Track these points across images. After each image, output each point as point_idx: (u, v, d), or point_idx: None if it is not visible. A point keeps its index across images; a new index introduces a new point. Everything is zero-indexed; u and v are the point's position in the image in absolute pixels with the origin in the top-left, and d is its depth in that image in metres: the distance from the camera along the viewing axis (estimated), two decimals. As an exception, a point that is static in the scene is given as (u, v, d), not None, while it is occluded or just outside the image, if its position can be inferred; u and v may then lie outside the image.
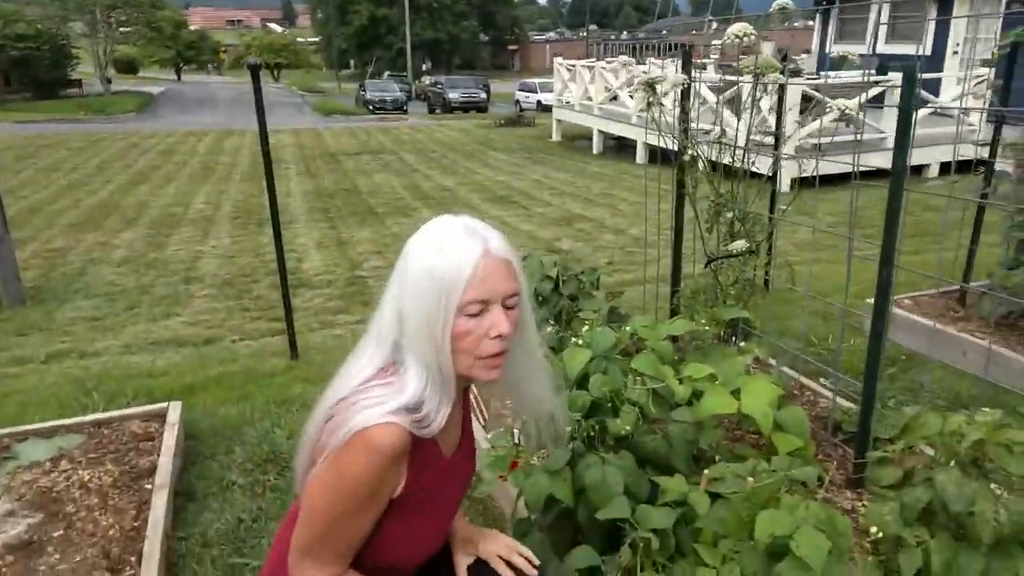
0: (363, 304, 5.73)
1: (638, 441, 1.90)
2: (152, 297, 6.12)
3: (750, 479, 1.52)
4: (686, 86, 2.87)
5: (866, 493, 2.38)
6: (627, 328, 2.65)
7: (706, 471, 1.66)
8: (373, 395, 1.14)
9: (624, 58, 19.79)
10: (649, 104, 2.77)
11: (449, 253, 1.12)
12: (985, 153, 3.84)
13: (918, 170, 10.26)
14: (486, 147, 17.44)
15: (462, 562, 1.42)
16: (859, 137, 3.52)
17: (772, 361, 2.83)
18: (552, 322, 3.22)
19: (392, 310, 1.17)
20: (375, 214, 9.84)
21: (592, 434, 1.90)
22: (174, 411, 3.01)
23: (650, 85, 2.75)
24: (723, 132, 2.94)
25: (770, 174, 3.22)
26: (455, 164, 14.79)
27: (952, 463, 1.76)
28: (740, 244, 2.88)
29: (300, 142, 18.45)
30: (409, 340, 1.15)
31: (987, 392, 3.30)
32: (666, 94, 2.86)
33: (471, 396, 1.53)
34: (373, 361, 1.19)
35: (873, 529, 1.49)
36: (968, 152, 3.78)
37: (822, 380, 3.39)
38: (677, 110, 2.91)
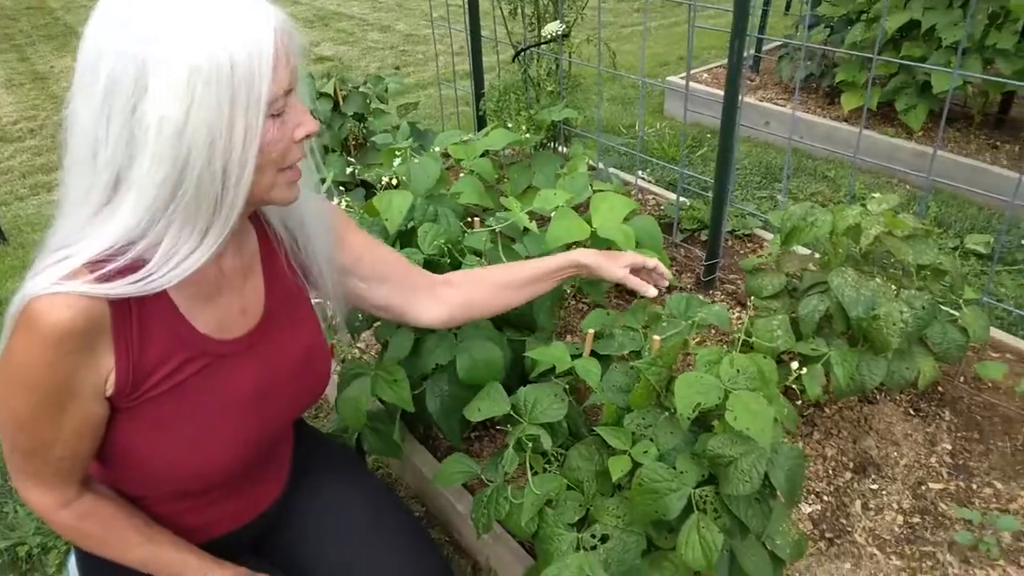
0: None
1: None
2: None
3: (656, 338, 1.18)
4: None
5: (718, 294, 2.21)
6: (433, 149, 2.15)
7: (587, 328, 1.30)
8: (54, 255, 0.83)
9: None
10: None
11: (235, 27, 0.78)
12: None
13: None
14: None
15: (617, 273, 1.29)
16: None
17: (600, 164, 2.50)
18: (341, 153, 2.60)
19: (115, 129, 0.78)
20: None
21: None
22: None
23: None
24: None
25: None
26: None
27: (842, 263, 1.55)
28: (554, 26, 2.38)
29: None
30: (154, 168, 0.79)
31: (793, 161, 3.29)
32: None
33: (275, 241, 1.08)
34: (81, 210, 0.83)
35: (794, 365, 1.25)
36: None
37: (640, 174, 3.16)
38: None
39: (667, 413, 1.19)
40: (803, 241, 1.52)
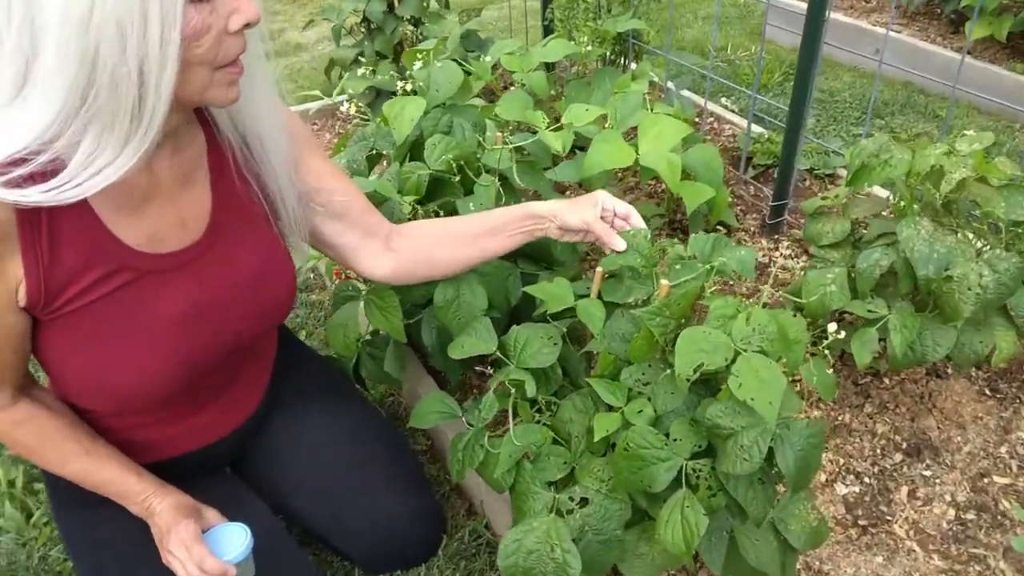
0: None
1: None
2: None
3: (664, 283, 1.02)
4: None
5: (784, 240, 1.98)
6: (486, 59, 1.97)
7: (599, 267, 1.14)
8: None
9: None
10: None
11: None
12: None
13: None
14: None
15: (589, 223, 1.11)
16: None
17: (670, 85, 2.26)
18: (392, 60, 2.46)
19: (17, 13, 0.68)
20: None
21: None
22: None
23: None
24: None
25: None
26: None
27: (917, 212, 1.31)
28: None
29: None
30: (60, 65, 0.69)
31: (903, 95, 2.91)
32: None
33: (224, 146, 0.97)
34: None
35: (832, 327, 1.06)
36: None
37: (723, 101, 2.88)
38: None
39: (670, 370, 1.04)
40: (874, 182, 1.29)
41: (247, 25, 0.79)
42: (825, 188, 2.16)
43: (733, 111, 2.73)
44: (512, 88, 2.20)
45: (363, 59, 2.38)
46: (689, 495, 0.94)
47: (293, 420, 1.23)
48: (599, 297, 1.15)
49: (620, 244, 1.07)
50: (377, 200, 1.23)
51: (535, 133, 1.44)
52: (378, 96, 2.32)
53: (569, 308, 1.13)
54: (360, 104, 1.50)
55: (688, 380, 0.92)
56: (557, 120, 2.15)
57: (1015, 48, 2.91)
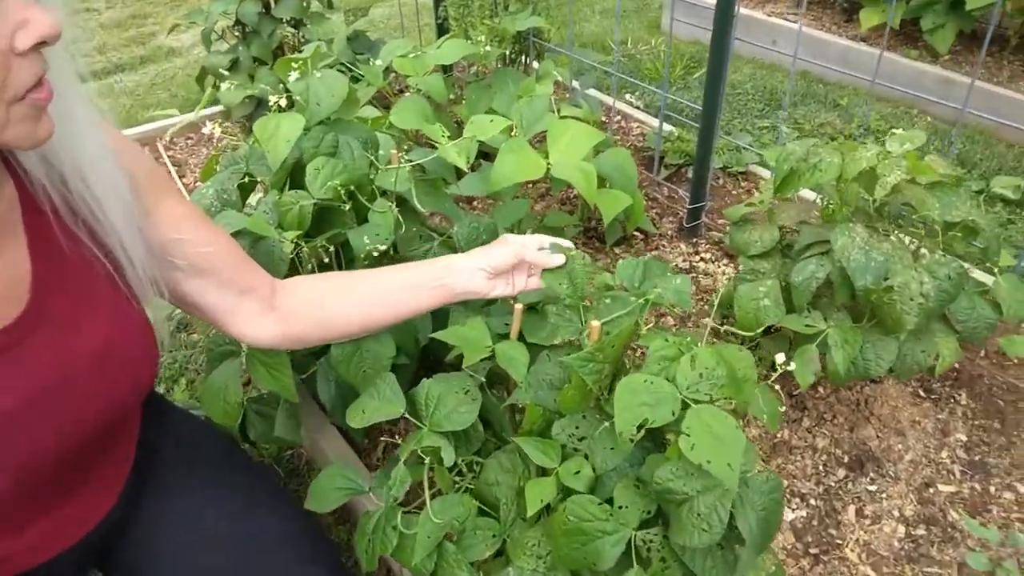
0: None
1: (403, 259, 1.18)
2: None
3: (594, 324, 0.88)
4: None
5: (703, 243, 1.90)
6: (377, 62, 1.79)
7: (517, 302, 0.99)
8: None
9: None
10: None
11: None
12: None
13: None
14: None
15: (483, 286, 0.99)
16: None
17: (575, 84, 2.14)
18: (271, 67, 2.23)
19: None
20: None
21: (327, 260, 1.14)
22: None
23: None
24: None
25: None
26: None
27: (848, 217, 1.23)
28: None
29: None
30: None
31: (801, 85, 2.91)
32: None
33: (47, 199, 0.76)
34: None
35: (780, 358, 0.95)
36: None
37: (628, 97, 2.79)
38: None
39: (608, 423, 0.90)
40: (803, 187, 1.20)
41: (42, 43, 0.59)
42: (739, 186, 2.10)
43: (639, 108, 2.65)
44: (407, 94, 2.03)
45: (236, 67, 2.14)
46: (640, 573, 0.80)
47: (167, 500, 1.03)
48: (520, 337, 1.01)
49: (558, 258, 0.95)
50: (249, 241, 1.04)
51: (435, 147, 1.28)
52: (259, 107, 2.10)
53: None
54: (225, 122, 1.29)
55: (631, 440, 0.79)
56: (459, 126, 1.98)
57: (907, 35, 2.96)
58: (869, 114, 2.64)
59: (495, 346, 0.98)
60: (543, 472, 0.90)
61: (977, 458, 1.36)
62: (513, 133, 1.56)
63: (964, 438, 1.39)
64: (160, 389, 1.66)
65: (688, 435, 0.76)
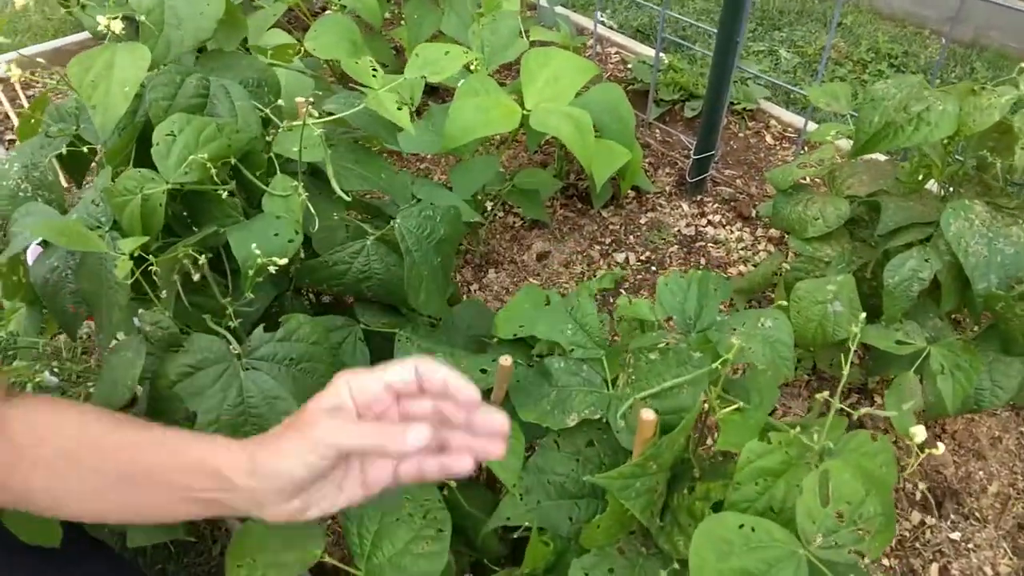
0: None
1: (313, 267, 0.79)
2: None
3: (645, 414, 0.52)
4: None
5: (709, 201, 1.53)
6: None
7: (500, 357, 0.62)
8: None
9: None
10: None
11: None
12: None
13: None
14: None
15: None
16: None
17: (543, 2, 1.71)
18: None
19: None
20: None
21: (199, 279, 0.73)
22: None
23: None
24: None
25: None
26: None
27: (958, 187, 0.88)
28: None
29: None
30: None
31: (795, 3, 2.51)
32: None
33: None
34: None
35: (920, 434, 0.62)
36: None
37: (599, 16, 2.35)
38: None
39: (658, 555, 0.55)
40: (900, 146, 0.84)
41: None
42: (746, 127, 1.73)
43: (612, 28, 2.22)
44: (328, 12, 1.57)
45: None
46: None
47: None
48: (507, 405, 0.64)
49: (464, 467, 0.45)
50: (62, 258, 0.63)
51: (365, 91, 0.87)
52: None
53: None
54: (44, 61, 0.84)
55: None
56: (398, 54, 1.58)
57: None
58: (876, 35, 2.28)
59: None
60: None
61: (1077, 485, 1.08)
62: (473, 67, 1.15)
63: (1057, 458, 1.10)
64: None
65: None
